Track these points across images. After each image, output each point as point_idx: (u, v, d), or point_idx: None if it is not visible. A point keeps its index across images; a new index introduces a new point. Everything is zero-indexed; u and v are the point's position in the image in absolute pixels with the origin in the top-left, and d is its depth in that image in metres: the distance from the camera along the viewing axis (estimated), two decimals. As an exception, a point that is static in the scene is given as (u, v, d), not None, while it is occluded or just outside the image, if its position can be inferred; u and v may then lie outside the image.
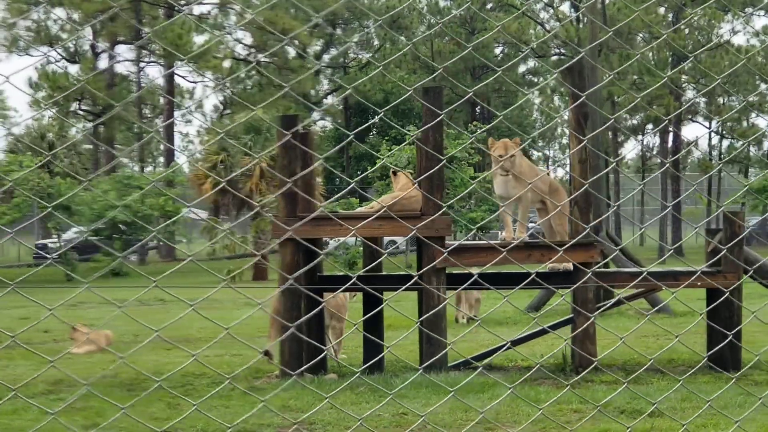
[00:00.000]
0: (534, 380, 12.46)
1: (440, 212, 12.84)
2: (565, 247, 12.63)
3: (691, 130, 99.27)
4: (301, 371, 12.83)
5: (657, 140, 72.04)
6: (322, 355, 13.95)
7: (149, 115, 75.76)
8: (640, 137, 72.45)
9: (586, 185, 13.12)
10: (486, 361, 14.50)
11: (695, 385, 11.56)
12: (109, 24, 57.94)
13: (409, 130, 45.36)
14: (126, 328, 19.80)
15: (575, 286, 13.10)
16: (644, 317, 18.48)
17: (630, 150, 79.86)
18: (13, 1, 59.17)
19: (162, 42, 57.30)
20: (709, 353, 12.96)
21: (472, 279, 12.29)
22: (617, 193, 63.59)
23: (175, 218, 41.63)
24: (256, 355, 15.16)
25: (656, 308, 19.70)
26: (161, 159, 73.43)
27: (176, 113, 73.43)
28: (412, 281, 13.23)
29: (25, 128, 60.64)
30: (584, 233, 13.05)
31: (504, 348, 14.61)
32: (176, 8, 60.85)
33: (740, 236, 13.29)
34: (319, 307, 13.43)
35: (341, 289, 14.09)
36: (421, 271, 13.35)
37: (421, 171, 13.56)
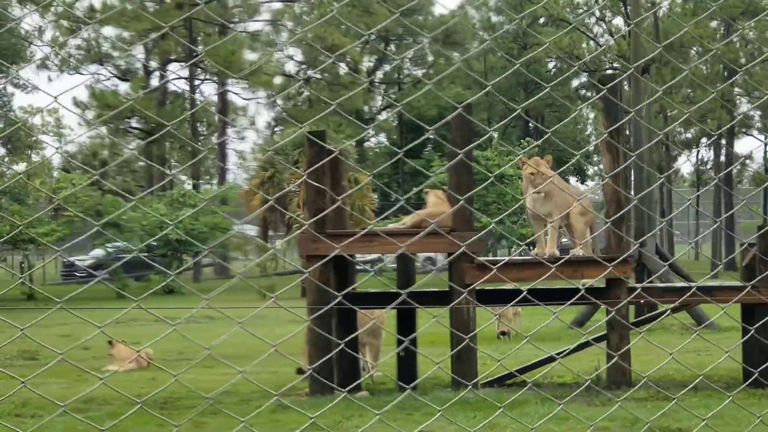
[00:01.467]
0: (564, 397, 12.32)
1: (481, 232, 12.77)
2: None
3: (745, 144, 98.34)
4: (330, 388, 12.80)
5: (711, 154, 71.35)
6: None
7: (204, 133, 76.21)
8: (688, 152, 71.81)
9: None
10: (522, 377, 14.43)
11: (728, 402, 11.37)
12: (160, 42, 58.42)
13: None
14: (170, 346, 19.86)
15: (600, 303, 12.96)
16: (689, 332, 18.16)
17: (681, 163, 79.04)
18: (62, 20, 59.77)
19: (215, 60, 57.70)
20: (759, 370, 12.73)
21: (521, 295, 12.21)
22: (670, 207, 62.97)
23: (223, 238, 41.79)
24: (292, 372, 15.16)
25: (703, 324, 19.45)
26: (217, 176, 73.91)
27: (229, 131, 73.96)
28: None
29: (78, 146, 61.25)
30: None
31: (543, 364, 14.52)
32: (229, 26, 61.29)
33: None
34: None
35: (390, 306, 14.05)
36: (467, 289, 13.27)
37: (452, 187, 13.50)
